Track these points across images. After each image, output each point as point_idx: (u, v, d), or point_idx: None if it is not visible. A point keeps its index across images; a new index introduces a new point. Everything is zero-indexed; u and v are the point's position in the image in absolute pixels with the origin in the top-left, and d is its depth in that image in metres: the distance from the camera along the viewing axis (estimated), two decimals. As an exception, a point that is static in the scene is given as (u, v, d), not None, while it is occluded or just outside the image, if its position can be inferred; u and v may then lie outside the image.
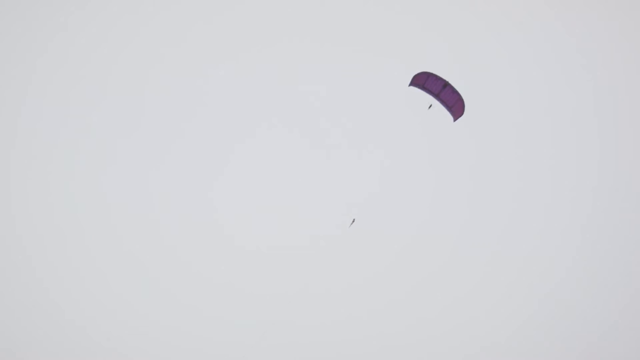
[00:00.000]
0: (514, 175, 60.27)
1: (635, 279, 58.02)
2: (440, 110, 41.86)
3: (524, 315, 56.49)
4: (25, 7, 57.40)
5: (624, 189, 59.82)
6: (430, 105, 41.18)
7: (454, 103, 40.92)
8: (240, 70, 59.61)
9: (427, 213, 58.96)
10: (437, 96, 41.18)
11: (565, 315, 57.17)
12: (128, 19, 59.00)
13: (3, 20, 57.01)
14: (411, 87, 41.61)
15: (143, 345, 52.50)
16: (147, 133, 58.26)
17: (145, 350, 52.31)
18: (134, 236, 55.79)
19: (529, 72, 61.17)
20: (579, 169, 60.55)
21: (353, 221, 44.04)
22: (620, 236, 59.11)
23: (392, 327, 55.93)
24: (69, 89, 57.67)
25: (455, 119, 41.41)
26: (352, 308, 56.31)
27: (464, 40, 60.25)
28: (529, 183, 60.13)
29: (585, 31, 61.00)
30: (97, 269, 54.48)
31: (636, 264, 58.39)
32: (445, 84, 40.62)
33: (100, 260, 54.71)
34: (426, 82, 41.10)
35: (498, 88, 60.45)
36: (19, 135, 56.28)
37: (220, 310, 54.64)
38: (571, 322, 57.03)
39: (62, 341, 52.14)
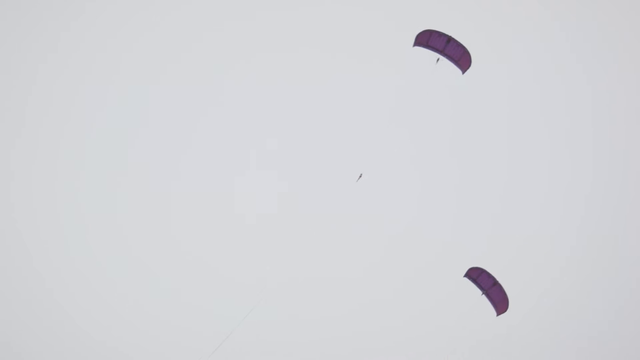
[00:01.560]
0: (508, 171, 60.45)
1: (634, 277, 57.94)
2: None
3: (519, 313, 55.95)
4: (35, 6, 57.51)
5: (620, 185, 59.81)
6: (438, 59, 41.71)
7: (460, 56, 41.53)
8: (248, 75, 60.03)
9: (417, 206, 59.18)
10: (442, 52, 41.73)
11: (562, 314, 57.11)
12: (138, 21, 59.37)
13: (11, 21, 57.18)
14: (416, 47, 42.14)
15: (147, 345, 52.54)
16: (153, 136, 58.67)
17: (147, 349, 52.32)
18: (139, 235, 56.19)
19: (521, 67, 61.38)
20: (575, 165, 60.60)
21: (360, 176, 43.89)
22: (617, 233, 59.03)
23: (384, 324, 55.83)
24: (74, 91, 57.93)
25: (463, 72, 41.98)
26: (344, 303, 56.28)
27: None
28: (523, 177, 60.26)
29: (580, 27, 61.21)
30: (103, 268, 54.86)
31: (635, 261, 58.28)
32: (449, 39, 41.17)
33: (106, 260, 55.10)
34: (429, 39, 41.65)
35: (489, 82, 60.69)
36: (25, 137, 56.47)
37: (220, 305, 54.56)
38: (568, 320, 56.96)
39: (63, 339, 52.42)
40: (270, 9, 59.99)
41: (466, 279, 44.63)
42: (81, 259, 54.90)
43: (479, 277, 44.34)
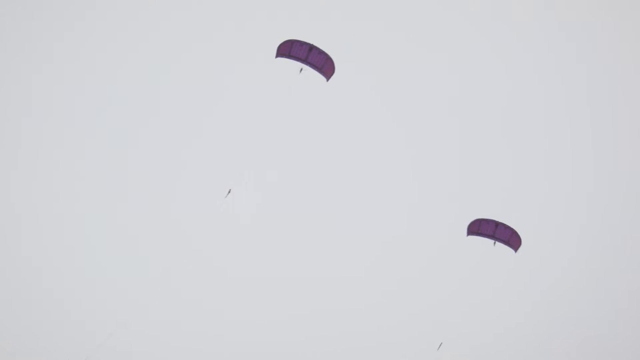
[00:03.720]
0: (505, 171, 60.94)
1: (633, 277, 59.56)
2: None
3: (516, 315, 56.44)
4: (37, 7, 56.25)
5: (622, 185, 61.06)
6: (302, 69, 41.60)
7: (323, 63, 41.49)
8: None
9: (413, 210, 59.36)
10: (305, 61, 41.57)
11: (559, 315, 58.07)
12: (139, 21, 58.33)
13: (13, 21, 55.79)
14: (279, 58, 41.76)
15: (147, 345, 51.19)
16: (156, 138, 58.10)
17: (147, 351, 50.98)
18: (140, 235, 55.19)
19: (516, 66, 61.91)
20: (575, 165, 61.52)
21: (229, 192, 43.57)
22: (618, 233, 60.50)
23: (378, 324, 55.95)
24: (74, 92, 57.04)
25: (327, 79, 42.05)
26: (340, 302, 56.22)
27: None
28: (521, 179, 60.87)
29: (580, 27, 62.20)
30: (104, 268, 53.96)
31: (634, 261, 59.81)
32: (311, 47, 41.02)
33: (107, 260, 54.26)
34: (291, 49, 41.33)
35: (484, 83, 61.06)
36: (25, 138, 55.42)
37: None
38: (565, 321, 58.10)
39: (61, 339, 51.30)
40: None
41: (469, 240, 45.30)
42: (81, 258, 54.15)
43: (480, 228, 44.45)
